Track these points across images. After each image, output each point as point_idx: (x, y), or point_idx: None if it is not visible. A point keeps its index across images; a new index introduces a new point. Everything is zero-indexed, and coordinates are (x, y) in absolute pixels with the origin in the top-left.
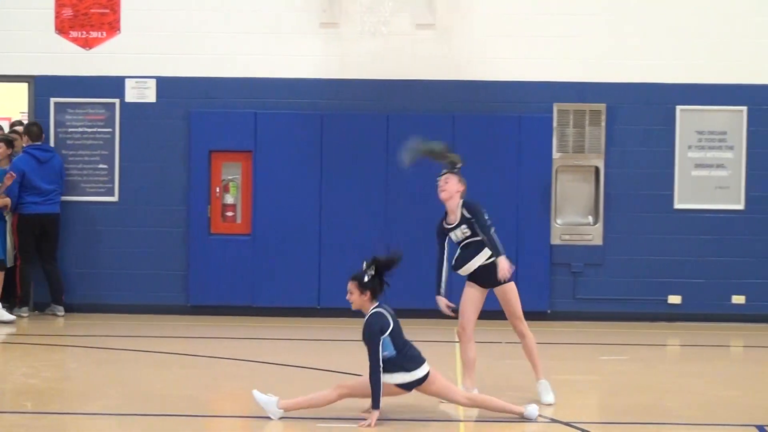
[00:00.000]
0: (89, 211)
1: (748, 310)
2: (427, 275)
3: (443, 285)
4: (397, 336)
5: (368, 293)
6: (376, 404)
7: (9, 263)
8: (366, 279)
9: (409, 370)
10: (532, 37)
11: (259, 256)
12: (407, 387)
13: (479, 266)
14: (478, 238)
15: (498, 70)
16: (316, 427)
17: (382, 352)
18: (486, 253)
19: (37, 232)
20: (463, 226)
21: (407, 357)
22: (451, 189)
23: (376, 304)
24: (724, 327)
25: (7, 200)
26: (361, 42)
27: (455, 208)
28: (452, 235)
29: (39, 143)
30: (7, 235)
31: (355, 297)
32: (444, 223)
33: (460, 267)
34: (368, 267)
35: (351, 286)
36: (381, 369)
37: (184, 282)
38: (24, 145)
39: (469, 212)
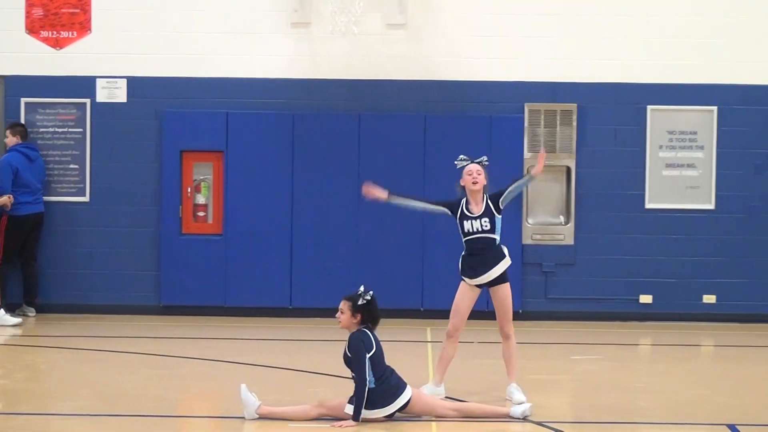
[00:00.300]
0: (60, 212)
1: (718, 310)
2: (401, 275)
3: (400, 199)
4: (377, 362)
5: (359, 317)
6: (356, 416)
7: None
8: (360, 302)
9: (387, 405)
10: (503, 37)
11: (230, 256)
12: (389, 416)
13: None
14: (493, 236)
15: (469, 70)
16: (288, 428)
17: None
18: (507, 262)
19: (27, 232)
20: (485, 219)
21: (385, 390)
22: (483, 181)
23: (363, 326)
24: (695, 326)
25: (5, 199)
26: (332, 42)
27: (480, 200)
28: (469, 223)
29: (26, 142)
30: None
31: (346, 317)
32: (465, 209)
33: (479, 276)
34: (365, 292)
35: (343, 305)
36: (367, 383)
37: (155, 282)
38: (10, 144)
39: (493, 198)
